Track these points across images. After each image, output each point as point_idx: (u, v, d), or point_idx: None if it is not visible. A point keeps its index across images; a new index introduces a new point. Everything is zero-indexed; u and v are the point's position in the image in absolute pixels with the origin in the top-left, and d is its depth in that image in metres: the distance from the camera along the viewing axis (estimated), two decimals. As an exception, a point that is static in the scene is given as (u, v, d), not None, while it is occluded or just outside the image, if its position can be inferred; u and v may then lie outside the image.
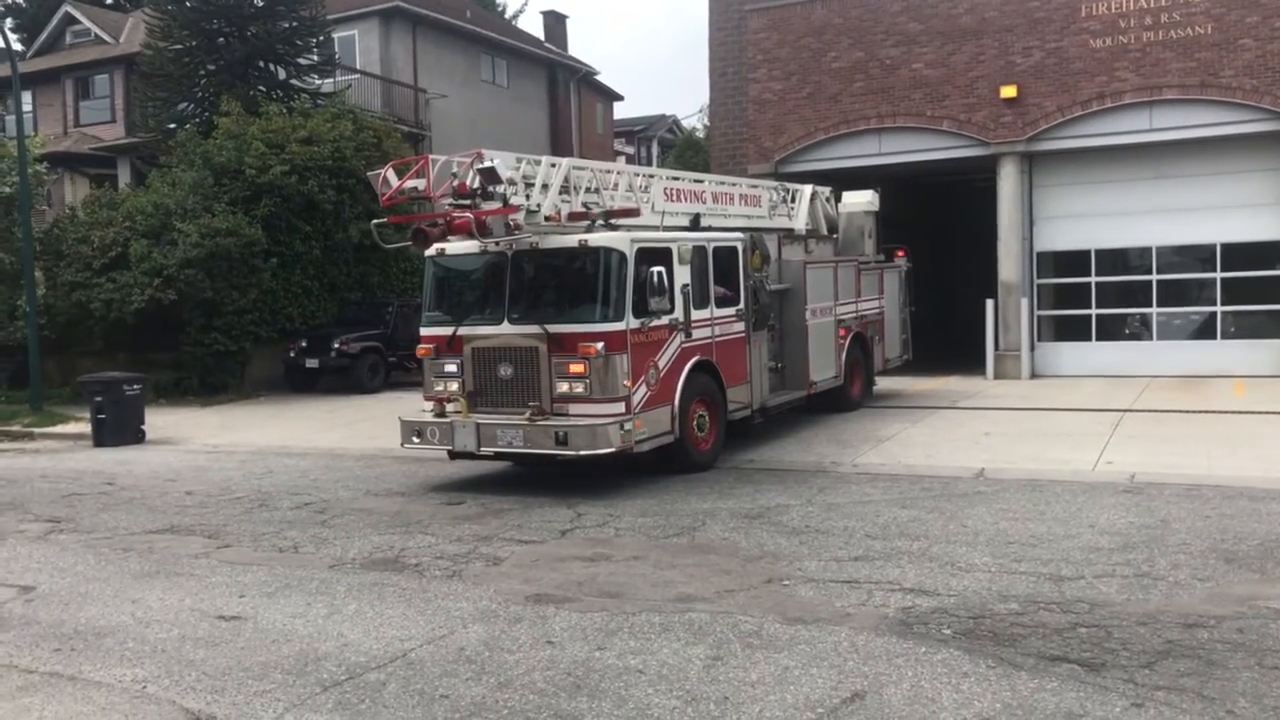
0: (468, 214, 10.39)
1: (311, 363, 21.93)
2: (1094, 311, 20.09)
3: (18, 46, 34.97)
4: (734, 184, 14.48)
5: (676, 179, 13.27)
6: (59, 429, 18.29)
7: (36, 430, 18.36)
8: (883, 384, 17.86)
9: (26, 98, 27.78)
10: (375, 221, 11.66)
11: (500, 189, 10.22)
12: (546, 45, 39.47)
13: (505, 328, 10.90)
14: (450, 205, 10.59)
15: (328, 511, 10.59)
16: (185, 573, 8.34)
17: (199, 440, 16.47)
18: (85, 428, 17.14)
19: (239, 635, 6.68)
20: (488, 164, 10.16)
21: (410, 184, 10.81)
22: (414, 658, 6.12)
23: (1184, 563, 7.47)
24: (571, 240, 10.72)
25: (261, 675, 5.95)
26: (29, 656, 6.46)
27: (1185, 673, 5.47)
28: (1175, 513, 8.99)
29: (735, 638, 6.23)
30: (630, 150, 51.42)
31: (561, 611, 6.88)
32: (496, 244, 10.85)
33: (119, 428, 16.44)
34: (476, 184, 10.24)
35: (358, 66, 30.10)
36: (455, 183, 10.43)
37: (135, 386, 16.79)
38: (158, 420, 17.84)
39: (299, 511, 10.65)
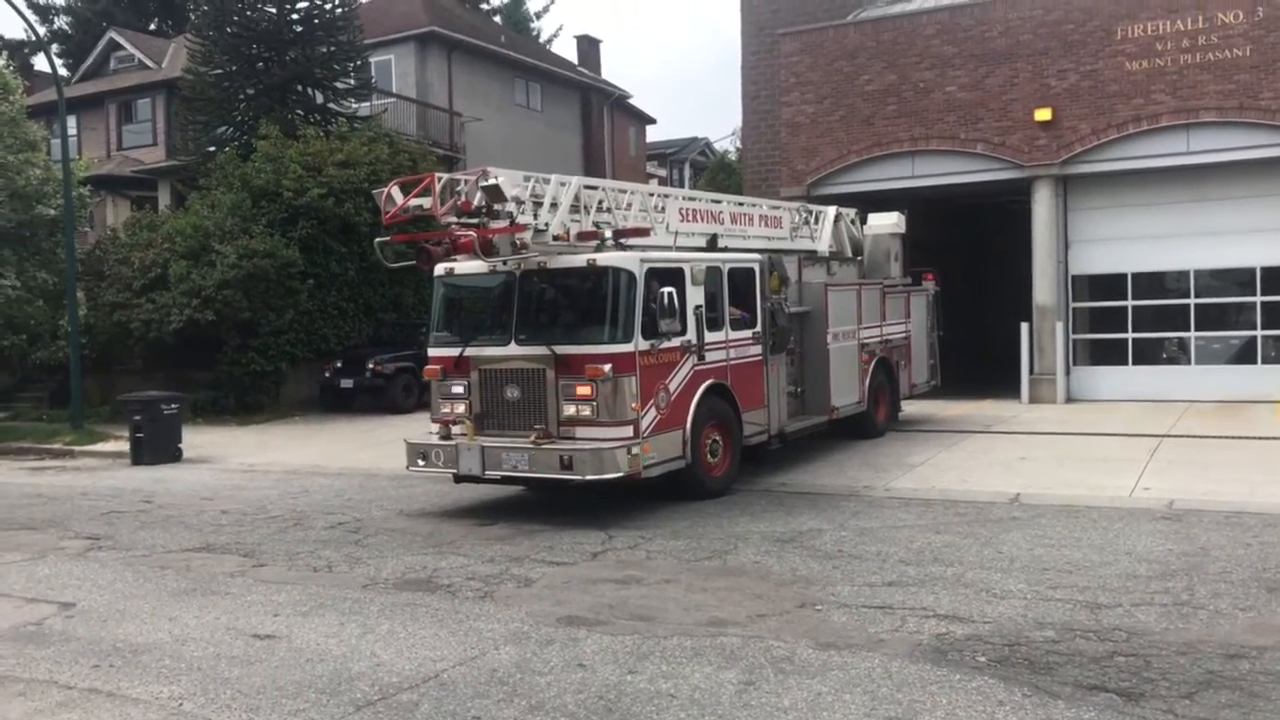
0: (472, 233, 10.24)
1: (346, 383, 22.12)
2: (1130, 335, 19.86)
3: (63, 72, 35.70)
4: (754, 205, 14.34)
5: (693, 199, 13.14)
6: (98, 447, 18.56)
7: (77, 448, 18.64)
8: (914, 409, 17.74)
9: (71, 122, 28.34)
10: (378, 240, 11.51)
11: (505, 207, 10.07)
12: (580, 69, 39.79)
13: (512, 349, 10.72)
14: (455, 224, 10.43)
15: (361, 531, 10.66)
16: (221, 591, 8.42)
17: (235, 459, 16.65)
18: (124, 446, 17.38)
19: (273, 654, 6.74)
20: (491, 181, 9.98)
21: (415, 202, 10.55)
22: (446, 679, 6.14)
23: (1224, 591, 7.35)
24: (580, 260, 10.55)
25: (295, 694, 6.00)
26: (68, 673, 6.55)
27: (1226, 704, 5.38)
28: (1215, 540, 8.85)
29: (767, 663, 6.20)
30: (663, 173, 51.59)
31: (593, 634, 6.88)
32: (504, 263, 10.72)
33: (157, 446, 16.65)
34: (481, 202, 10.12)
35: (394, 90, 30.51)
36: (459, 200, 10.28)
37: (173, 406, 17.02)
38: (195, 439, 18.06)
39: (333, 531, 10.73)
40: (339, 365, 22.39)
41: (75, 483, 15.18)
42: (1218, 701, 5.41)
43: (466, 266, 11.25)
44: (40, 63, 39.56)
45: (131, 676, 6.43)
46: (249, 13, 25.70)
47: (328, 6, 26.31)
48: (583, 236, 10.73)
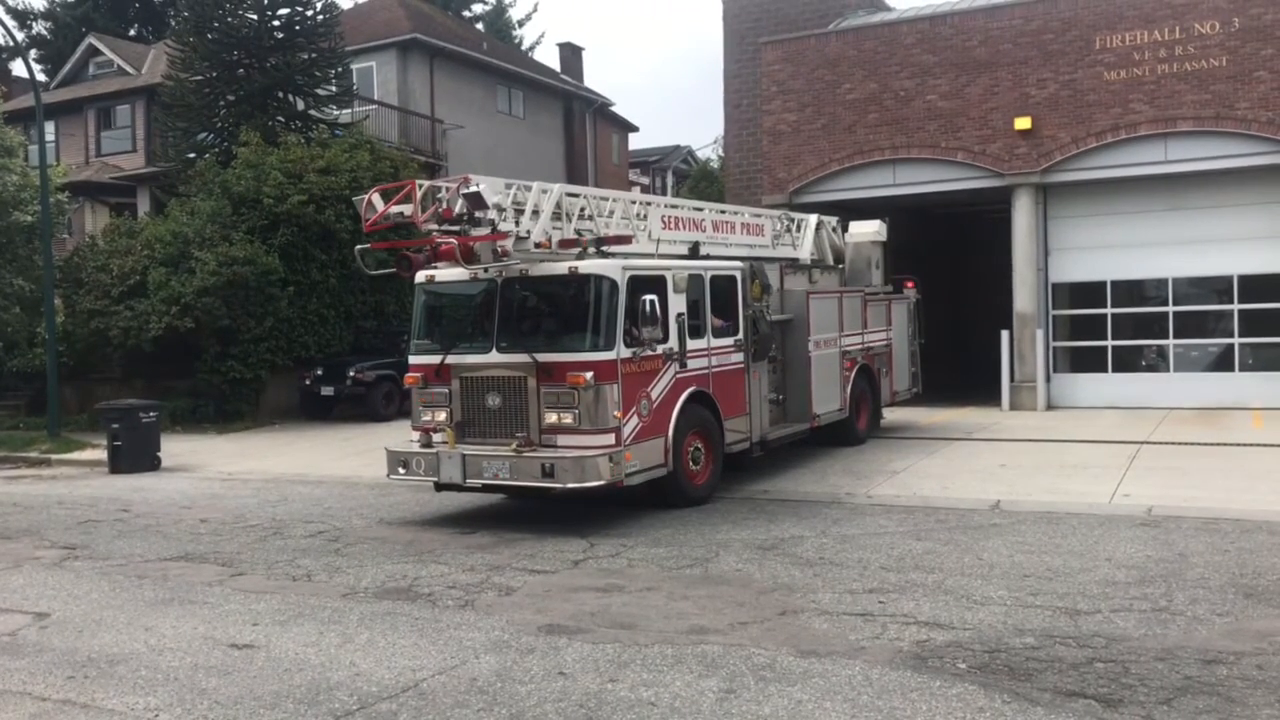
0: (453, 240, 10.20)
1: (327, 390, 22.04)
2: (1110, 343, 20.01)
3: (41, 77, 35.49)
4: (736, 213, 14.35)
5: (675, 207, 13.14)
6: (76, 455, 18.40)
7: (54, 457, 18.48)
8: (896, 416, 17.81)
9: (49, 128, 28.14)
10: (359, 247, 11.45)
11: (487, 214, 10.04)
12: (562, 77, 39.80)
13: (493, 356, 10.69)
14: (437, 231, 10.40)
15: (341, 540, 10.60)
16: (199, 600, 8.35)
17: (214, 468, 16.53)
18: (102, 454, 17.24)
19: (251, 664, 6.68)
20: (473, 189, 9.95)
21: (396, 209, 10.49)
22: (426, 688, 6.10)
23: (1202, 597, 7.40)
24: (562, 267, 10.53)
25: (273, 705, 5.95)
26: (42, 684, 6.48)
27: (1204, 710, 5.40)
28: (1193, 546, 8.91)
29: (748, 670, 6.19)
30: (645, 180, 51.65)
31: (574, 642, 6.86)
32: (486, 271, 10.70)
33: (135, 455, 16.51)
34: (462, 209, 10.09)
35: (375, 97, 30.42)
36: (441, 208, 10.23)
37: (152, 414, 16.89)
38: (173, 447, 17.93)
39: (312, 540, 10.66)
40: (319, 373, 22.29)
41: (51, 491, 15.03)
42: (1195, 707, 5.44)
43: (448, 274, 11.20)
44: (18, 68, 39.30)
45: (107, 687, 6.36)
46: (230, 19, 25.60)
47: (309, 13, 26.24)
48: (564, 244, 10.70)
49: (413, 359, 11.50)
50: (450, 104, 31.57)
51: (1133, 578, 7.97)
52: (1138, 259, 19.62)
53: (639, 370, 10.58)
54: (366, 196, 10.80)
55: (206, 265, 20.63)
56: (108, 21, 42.36)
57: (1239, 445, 14.35)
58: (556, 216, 10.83)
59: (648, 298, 10.49)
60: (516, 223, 10.39)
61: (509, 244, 10.23)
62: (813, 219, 15.90)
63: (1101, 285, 20.00)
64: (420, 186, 10.42)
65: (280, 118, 25.87)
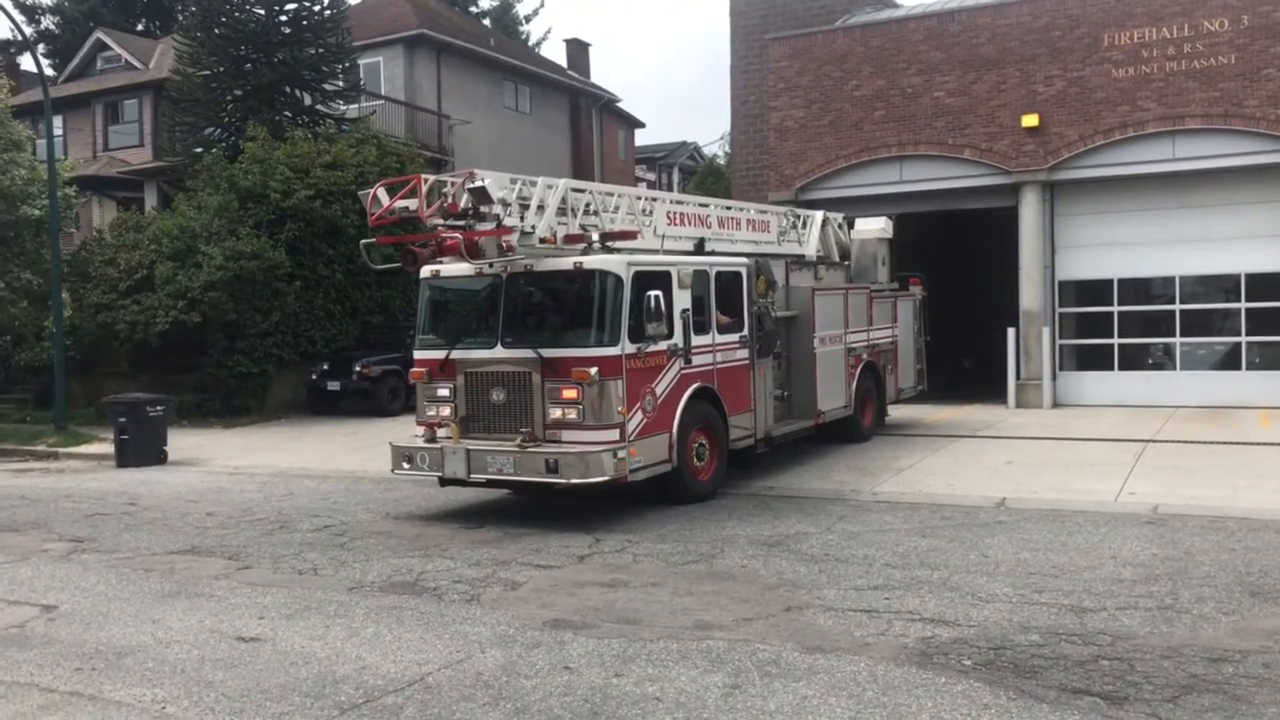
0: (458, 235, 10.19)
1: (333, 385, 22.08)
2: (1116, 341, 19.97)
3: (49, 72, 35.53)
4: (741, 209, 14.33)
5: (680, 203, 13.13)
6: (83, 449, 18.46)
7: (61, 450, 18.53)
8: (902, 413, 17.79)
9: (57, 122, 28.17)
10: (364, 241, 11.46)
11: (492, 209, 10.05)
12: (569, 73, 39.78)
13: (498, 351, 10.69)
14: (442, 226, 10.39)
15: (347, 534, 10.62)
16: (205, 593, 8.38)
17: (221, 461, 16.57)
18: (109, 448, 17.28)
19: (258, 657, 6.70)
20: (478, 184, 9.96)
21: (401, 203, 10.49)
22: (431, 682, 6.12)
23: (1208, 595, 7.39)
24: (567, 263, 10.51)
25: (280, 697, 5.97)
26: (50, 675, 6.50)
27: (1210, 708, 5.40)
28: (1199, 545, 8.90)
29: (753, 666, 6.20)
30: (651, 177, 51.61)
31: (579, 637, 6.87)
32: (491, 266, 10.71)
33: (142, 448, 16.56)
34: (467, 204, 10.10)
35: (382, 92, 30.45)
36: (446, 203, 10.25)
37: (158, 408, 16.94)
38: (180, 441, 17.96)
39: (319, 534, 10.69)
40: (325, 368, 22.34)
41: (59, 485, 15.08)
42: (1201, 705, 5.43)
43: (453, 269, 11.21)
44: (26, 62, 39.44)
45: (114, 679, 6.39)
46: (237, 14, 25.64)
47: (316, 8, 26.29)
48: (569, 239, 10.70)
49: (418, 354, 11.51)
50: (456, 99, 31.58)
51: (1138, 575, 7.96)
52: (1145, 257, 19.57)
53: (644, 366, 10.56)
54: (372, 191, 10.80)
55: (213, 260, 20.68)
56: (115, 16, 42.41)
57: (1245, 444, 14.32)
58: (562, 212, 10.83)
59: (653, 293, 10.48)
60: (522, 218, 10.39)
61: (514, 239, 10.23)
62: (818, 215, 15.88)
63: (1108, 283, 19.96)
64: (426, 181, 10.43)
65: (287, 113, 25.90)
